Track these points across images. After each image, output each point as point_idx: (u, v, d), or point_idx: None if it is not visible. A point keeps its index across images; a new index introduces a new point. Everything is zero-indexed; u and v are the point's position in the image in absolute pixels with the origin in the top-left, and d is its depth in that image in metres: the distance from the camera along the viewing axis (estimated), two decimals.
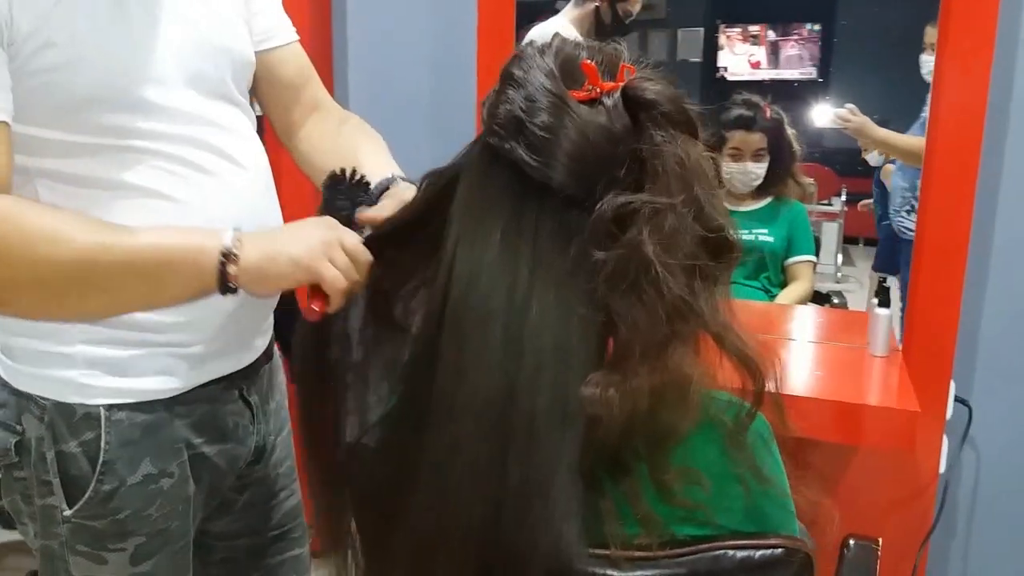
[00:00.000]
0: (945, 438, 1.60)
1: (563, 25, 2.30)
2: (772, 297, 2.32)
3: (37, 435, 0.94)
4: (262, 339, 1.11)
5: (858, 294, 2.51)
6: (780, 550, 0.68)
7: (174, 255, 0.81)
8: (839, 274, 4.99)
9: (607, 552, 0.64)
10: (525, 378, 0.65)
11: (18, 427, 0.95)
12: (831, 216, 5.26)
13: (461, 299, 0.67)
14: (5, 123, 0.82)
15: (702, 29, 7.24)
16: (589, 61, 0.69)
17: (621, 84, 0.68)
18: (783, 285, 2.35)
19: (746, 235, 2.35)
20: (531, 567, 0.63)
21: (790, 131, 2.40)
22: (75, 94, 0.85)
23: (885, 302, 1.55)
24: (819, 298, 2.40)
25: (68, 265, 0.77)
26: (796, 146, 2.40)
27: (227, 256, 0.81)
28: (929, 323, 1.55)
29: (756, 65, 7.20)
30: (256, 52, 1.08)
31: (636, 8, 2.44)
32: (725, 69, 7.36)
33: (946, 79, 1.46)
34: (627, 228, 0.66)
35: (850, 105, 2.28)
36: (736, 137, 2.32)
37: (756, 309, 2.11)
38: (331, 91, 1.19)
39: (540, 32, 2.35)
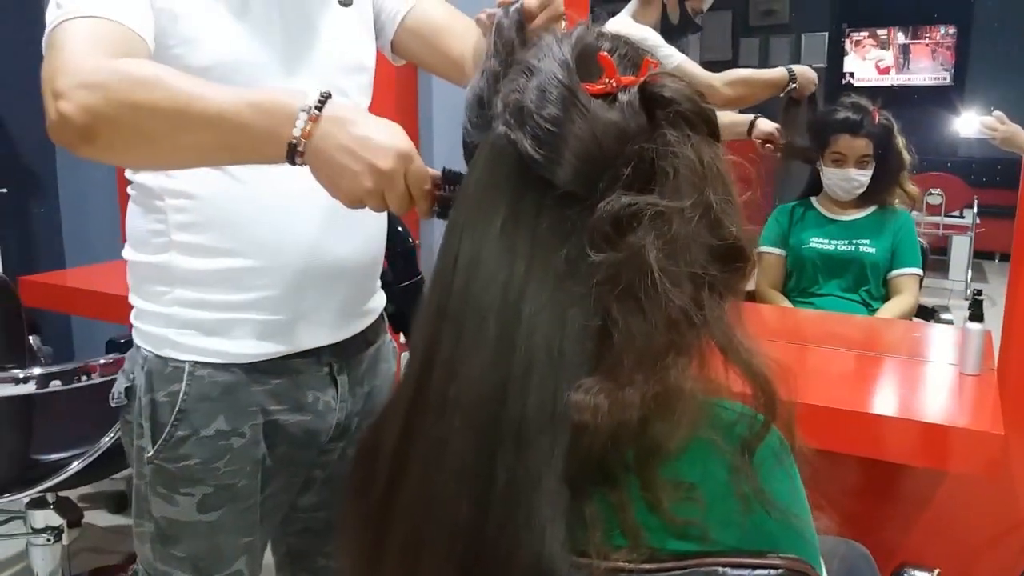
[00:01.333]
0: None
1: (627, 22, 2.25)
2: (872, 311, 2.20)
3: (140, 383, 1.04)
4: (360, 321, 1.14)
5: (987, 312, 2.35)
6: (780, 571, 0.64)
7: (263, 98, 0.80)
8: (968, 291, 4.70)
9: (590, 562, 0.62)
10: (516, 378, 0.63)
11: (131, 375, 1.06)
12: (961, 229, 4.97)
13: (461, 290, 0.65)
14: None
15: (827, 34, 6.99)
16: (608, 53, 0.67)
17: (640, 79, 0.66)
18: (885, 299, 2.23)
19: (846, 245, 2.25)
20: (513, 573, 0.61)
21: (900, 139, 2.26)
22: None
23: (978, 316, 1.45)
24: (924, 313, 2.26)
25: (164, 106, 0.79)
26: (906, 155, 2.25)
27: (308, 110, 0.78)
28: None
29: (885, 70, 6.90)
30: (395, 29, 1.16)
31: (705, 5, 2.35)
32: (852, 75, 7.08)
33: None
34: (630, 230, 0.63)
35: (998, 112, 2.10)
36: (840, 141, 2.20)
37: (836, 322, 2.01)
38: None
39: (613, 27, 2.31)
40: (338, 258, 1.06)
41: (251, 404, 1.05)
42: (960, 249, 4.85)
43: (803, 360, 1.57)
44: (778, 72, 2.23)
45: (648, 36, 2.17)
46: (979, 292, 1.49)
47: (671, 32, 2.21)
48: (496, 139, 0.66)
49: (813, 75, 2.23)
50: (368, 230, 1.10)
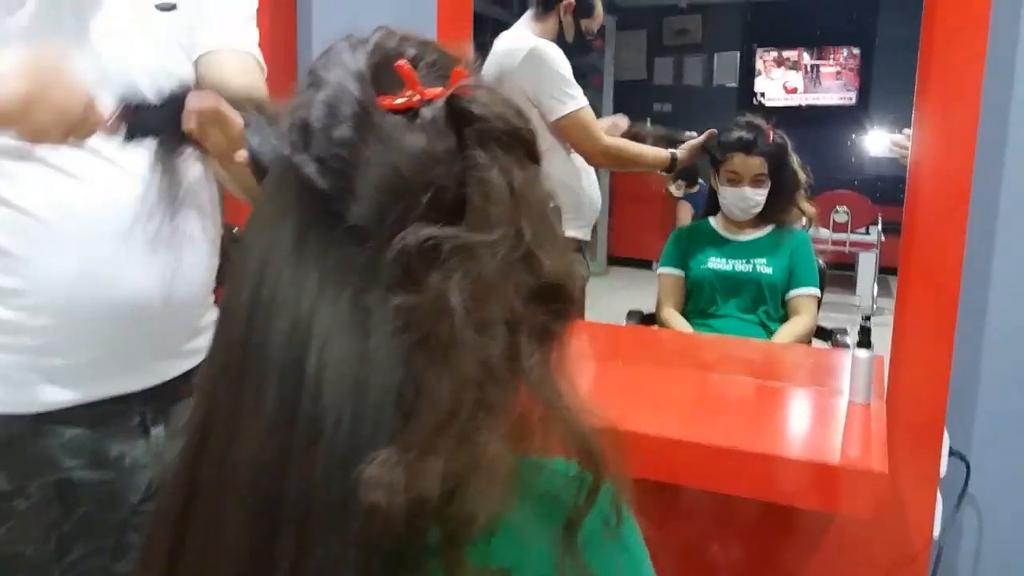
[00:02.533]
0: (939, 498, 1.41)
1: (531, 37, 2.19)
2: (770, 332, 2.15)
3: None
4: (178, 363, 1.02)
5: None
6: None
7: None
8: (875, 306, 4.78)
9: None
10: (298, 448, 0.53)
11: None
12: (867, 246, 5.06)
13: (243, 337, 0.55)
14: None
15: (738, 53, 7.11)
16: (412, 61, 0.56)
17: (447, 92, 0.55)
18: (784, 319, 2.19)
19: (743, 265, 2.20)
20: None
21: (795, 157, 2.24)
22: None
23: (866, 343, 1.38)
24: (823, 335, 2.22)
25: None
26: (801, 173, 2.23)
27: None
28: (918, 365, 1.38)
29: (793, 91, 7.05)
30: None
31: (596, 24, 2.33)
32: (762, 94, 7.23)
33: (931, 97, 1.30)
34: (431, 269, 0.52)
35: (908, 131, 2.11)
36: (735, 160, 2.17)
37: (731, 345, 1.94)
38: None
39: (504, 41, 2.24)
40: (136, 294, 0.93)
41: (40, 460, 0.92)
42: (866, 265, 4.96)
43: (683, 388, 1.49)
44: (662, 156, 2.30)
45: (558, 60, 2.14)
46: (867, 318, 1.43)
47: (566, 51, 2.18)
48: (282, 161, 0.56)
49: (696, 147, 2.29)
50: (182, 265, 0.97)
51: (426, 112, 0.54)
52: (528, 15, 2.28)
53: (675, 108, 7.12)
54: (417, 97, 0.54)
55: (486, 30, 3.35)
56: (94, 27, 0.94)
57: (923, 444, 1.37)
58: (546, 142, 2.18)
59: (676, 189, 4.16)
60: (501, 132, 0.54)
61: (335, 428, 0.52)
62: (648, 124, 5.72)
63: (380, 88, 0.54)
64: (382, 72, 0.55)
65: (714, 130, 2.26)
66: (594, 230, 7.16)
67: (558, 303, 0.56)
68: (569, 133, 2.16)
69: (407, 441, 0.51)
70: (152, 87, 0.97)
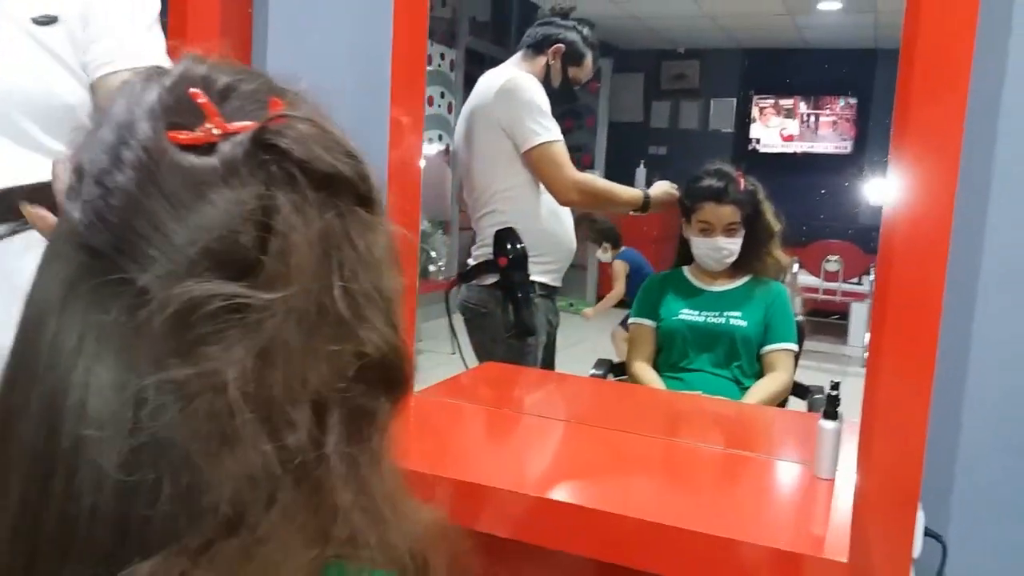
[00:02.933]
0: None
1: (518, 73, 2.12)
2: (744, 389, 2.04)
3: None
4: None
5: None
6: None
7: None
8: (866, 356, 4.67)
9: None
10: (46, 560, 0.42)
11: None
12: (859, 296, 4.97)
13: (4, 395, 0.46)
14: None
15: (735, 99, 7.09)
16: (202, 91, 0.46)
17: (256, 125, 0.45)
18: (760, 375, 2.07)
19: (716, 318, 2.09)
20: None
21: (768, 204, 2.13)
22: None
23: (832, 414, 1.27)
24: (800, 391, 2.10)
25: None
26: (774, 221, 2.12)
27: None
28: (890, 434, 1.26)
29: (789, 138, 7.00)
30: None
31: (585, 76, 2.26)
32: (758, 141, 7.19)
33: (909, 147, 1.21)
34: (211, 336, 0.41)
35: None
36: (706, 210, 2.07)
37: (691, 405, 1.83)
38: None
39: (484, 78, 2.16)
40: None
41: None
42: (859, 315, 4.84)
43: (629, 452, 1.38)
44: (635, 196, 2.20)
45: (534, 93, 2.09)
46: (835, 386, 1.31)
47: (549, 95, 2.12)
48: (63, 208, 0.47)
49: (673, 193, 2.19)
50: None
51: (225, 148, 0.44)
52: (518, 56, 2.23)
53: (670, 151, 7.07)
54: (217, 131, 0.44)
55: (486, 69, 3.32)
56: None
57: (895, 522, 1.25)
58: (518, 179, 2.09)
59: (603, 253, 4.00)
60: (315, 172, 0.44)
61: (88, 532, 0.41)
62: (642, 166, 5.68)
63: (176, 122, 0.45)
64: (182, 104, 0.46)
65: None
66: (584, 268, 7.09)
67: (379, 381, 0.46)
68: (539, 167, 2.08)
69: (178, 551, 0.41)
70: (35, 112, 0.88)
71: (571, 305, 6.60)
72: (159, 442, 0.41)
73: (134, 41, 0.97)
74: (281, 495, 0.42)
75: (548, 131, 2.06)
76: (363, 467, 0.45)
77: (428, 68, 5.81)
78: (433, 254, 5.15)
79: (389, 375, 0.47)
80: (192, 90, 0.46)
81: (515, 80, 2.11)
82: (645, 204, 2.17)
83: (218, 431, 0.41)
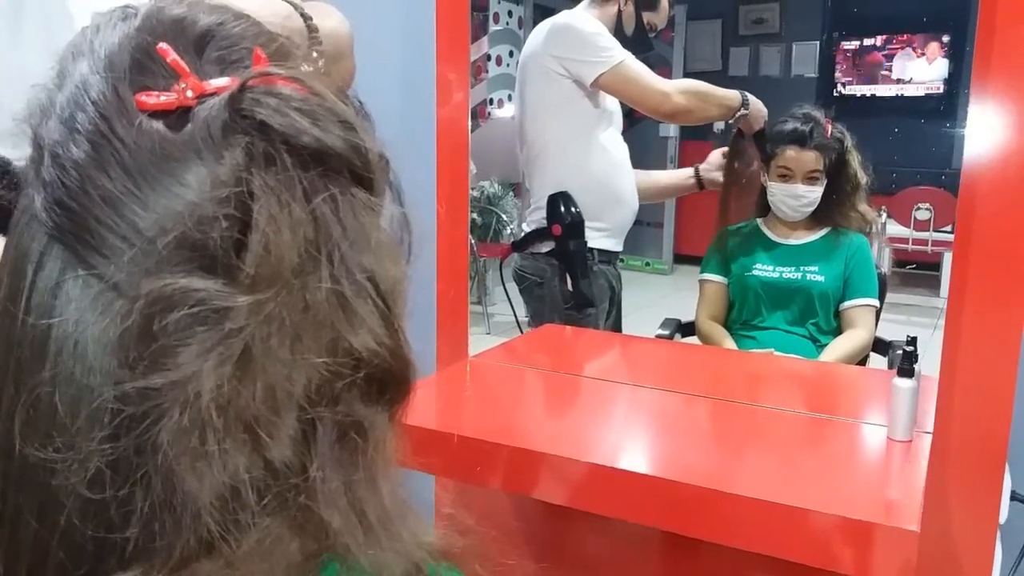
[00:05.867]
0: (999, 547, 1.20)
1: (580, 15, 2.02)
2: (821, 347, 1.94)
3: None
4: None
5: None
6: None
7: None
8: None
9: None
10: None
11: None
12: (951, 245, 4.72)
13: None
14: None
15: (818, 43, 6.78)
16: (174, 42, 0.42)
17: (235, 84, 0.40)
18: (837, 332, 1.97)
19: (792, 273, 1.99)
20: None
21: (856, 155, 2.01)
22: None
23: (908, 371, 1.18)
24: (881, 347, 1.99)
25: None
26: (861, 173, 2.00)
27: None
28: (973, 390, 1.17)
29: (876, 80, 6.66)
30: None
31: (661, 21, 2.11)
32: (843, 85, 6.86)
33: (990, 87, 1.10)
34: (178, 341, 0.38)
35: None
36: (787, 154, 1.96)
37: (761, 365, 1.74)
38: None
39: (542, 25, 2.07)
40: None
41: None
42: (949, 266, 4.61)
43: (693, 417, 1.32)
44: (732, 93, 2.04)
45: (586, 26, 1.96)
46: (912, 341, 1.22)
47: (623, 44, 1.98)
48: (24, 187, 0.42)
49: (764, 111, 2.05)
50: None
51: (199, 115, 0.39)
52: (585, 2, 2.07)
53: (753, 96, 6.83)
54: (191, 92, 0.39)
55: None
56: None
57: (979, 487, 1.17)
58: (570, 127, 1.96)
59: None
60: (301, 149, 0.39)
61: (61, 552, 0.39)
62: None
63: (141, 82, 0.39)
64: (150, 57, 0.40)
65: None
66: (660, 226, 6.95)
67: (374, 388, 0.41)
68: (620, 90, 1.94)
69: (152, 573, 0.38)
70: None
71: (647, 264, 6.48)
72: (131, 457, 0.37)
73: None
74: (262, 515, 0.38)
75: (613, 54, 1.91)
76: (356, 484, 0.40)
77: (495, 27, 5.74)
78: (505, 217, 5.10)
79: (385, 382, 0.41)
80: (161, 46, 0.41)
81: (565, 16, 2.00)
82: (744, 101, 2.02)
83: (193, 445, 0.36)
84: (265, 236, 0.37)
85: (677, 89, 1.98)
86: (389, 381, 0.42)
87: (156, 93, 0.39)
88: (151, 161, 0.38)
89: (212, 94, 0.39)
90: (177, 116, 0.39)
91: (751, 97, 2.03)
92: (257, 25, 0.45)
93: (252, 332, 0.37)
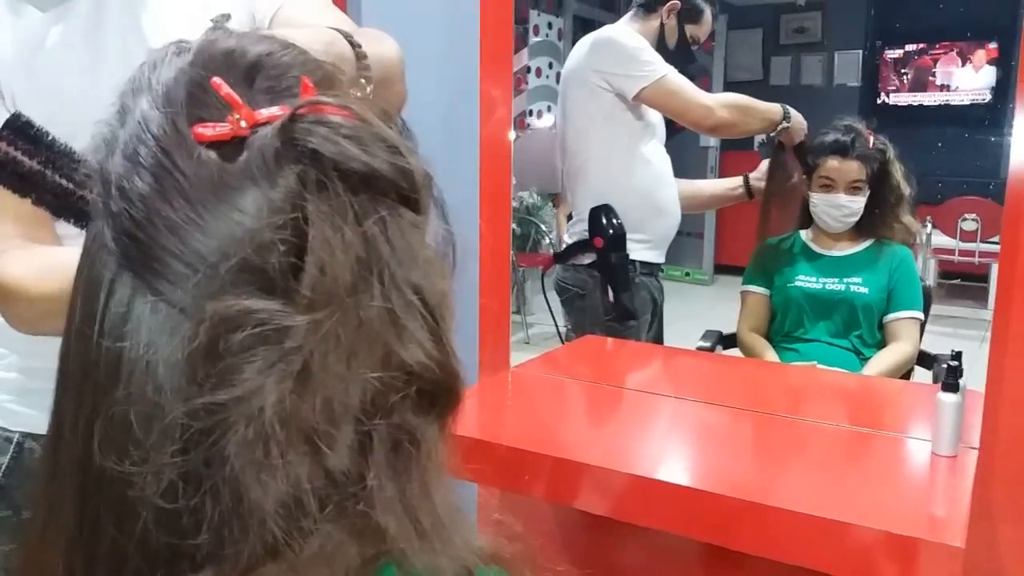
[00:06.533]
0: None
1: (623, 29, 2.03)
2: (864, 360, 1.93)
3: None
4: None
5: None
6: None
7: None
8: None
9: None
10: None
11: None
12: (998, 256, 4.62)
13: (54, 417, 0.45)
14: None
15: (860, 52, 6.73)
16: (245, 72, 0.44)
17: (287, 113, 0.42)
18: (881, 345, 1.96)
19: (835, 284, 1.98)
20: None
21: (899, 165, 1.99)
22: None
23: (953, 385, 1.17)
24: (926, 361, 1.97)
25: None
26: (904, 184, 1.98)
27: None
28: (1019, 408, 1.16)
29: (921, 89, 6.57)
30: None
31: (704, 34, 2.11)
32: (887, 94, 6.79)
33: None
34: (242, 357, 0.40)
35: None
36: (829, 164, 1.96)
37: (804, 379, 1.73)
38: None
39: (585, 39, 2.08)
40: None
41: None
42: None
43: (735, 432, 1.32)
44: (774, 107, 2.03)
45: (628, 39, 1.98)
46: (957, 356, 1.21)
47: (666, 57, 1.98)
48: (93, 218, 0.45)
49: (805, 124, 2.04)
50: None
51: (254, 144, 0.41)
52: (626, 17, 2.09)
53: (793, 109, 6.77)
54: (245, 123, 0.41)
55: None
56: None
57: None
58: (614, 142, 1.97)
59: None
60: (351, 174, 0.41)
61: (138, 556, 0.41)
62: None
63: (198, 115, 0.41)
64: (204, 90, 0.42)
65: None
66: (700, 236, 6.88)
67: (426, 400, 0.43)
68: (663, 104, 1.95)
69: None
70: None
71: (687, 275, 6.46)
72: (200, 468, 0.39)
73: None
74: (323, 522, 0.40)
75: (655, 68, 1.91)
76: (410, 491, 0.42)
77: (535, 39, 5.78)
78: (544, 227, 5.12)
79: (435, 393, 0.43)
80: (215, 80, 0.43)
81: (608, 30, 2.02)
82: (786, 114, 2.01)
83: (257, 457, 0.38)
84: (320, 259, 0.39)
85: (720, 103, 1.97)
86: (439, 393, 0.43)
87: (212, 125, 0.41)
88: (210, 190, 0.40)
89: (264, 123, 0.41)
90: (233, 146, 0.41)
91: (792, 110, 2.02)
92: (304, 54, 0.47)
93: (310, 349, 0.39)
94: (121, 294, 0.41)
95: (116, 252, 0.41)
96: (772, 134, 2.04)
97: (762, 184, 2.13)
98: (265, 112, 0.42)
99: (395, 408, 0.42)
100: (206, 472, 0.39)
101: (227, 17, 0.90)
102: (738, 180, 2.20)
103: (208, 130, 0.41)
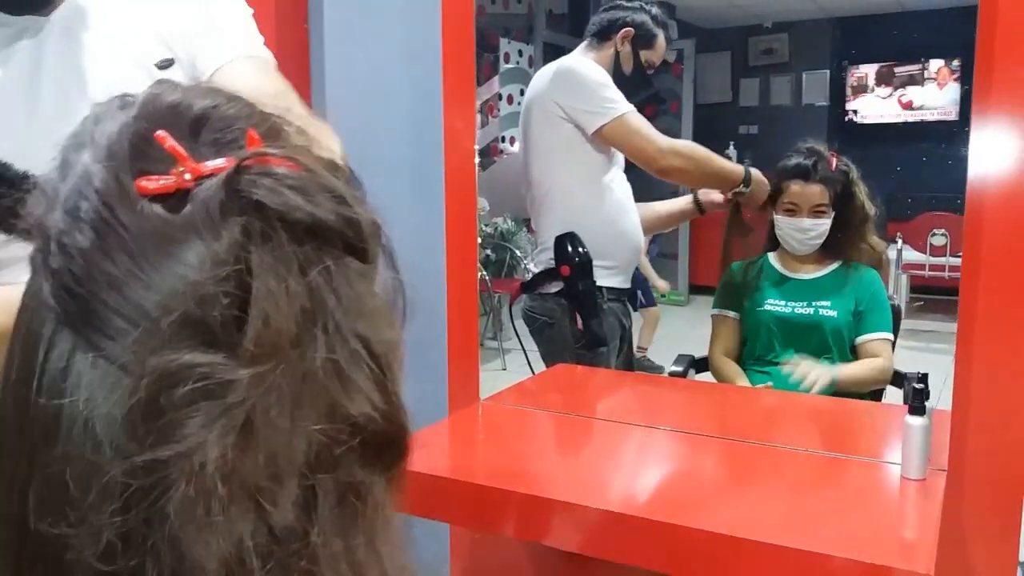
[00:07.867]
0: None
1: (582, 61, 2.05)
2: (835, 383, 1.93)
3: None
4: None
5: None
6: None
7: None
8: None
9: None
10: None
11: None
12: None
13: None
14: None
15: (828, 71, 6.83)
16: (191, 124, 0.43)
17: (231, 165, 0.42)
18: None
19: (804, 308, 1.99)
20: None
21: (862, 187, 2.01)
22: None
23: (919, 408, 1.18)
24: (897, 380, 1.98)
25: None
26: (869, 205, 2.00)
27: None
28: (988, 425, 1.17)
29: (888, 107, 6.69)
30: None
31: (658, 58, 2.12)
32: (854, 112, 6.90)
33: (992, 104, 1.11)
34: (183, 412, 0.39)
35: None
36: (792, 189, 1.98)
37: (771, 402, 1.73)
38: None
39: (545, 68, 2.09)
40: None
41: None
42: None
43: (700, 458, 1.32)
44: (736, 169, 2.03)
45: (591, 73, 1.98)
46: (923, 378, 1.21)
47: (622, 84, 2.00)
48: (32, 273, 0.43)
49: (767, 188, 2.02)
50: None
51: (198, 197, 0.40)
52: (582, 47, 2.10)
53: (762, 130, 6.87)
54: (189, 175, 0.41)
55: None
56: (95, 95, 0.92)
57: (996, 525, 1.15)
58: (577, 172, 1.97)
59: None
60: (295, 225, 0.40)
61: None
62: (732, 147, 5.49)
63: (141, 168, 0.41)
64: (147, 143, 0.41)
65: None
66: (674, 257, 6.89)
67: (372, 453, 0.42)
68: (620, 142, 1.95)
69: None
70: None
71: (663, 296, 6.47)
72: (141, 528, 0.38)
73: (237, 32, 0.96)
74: None
75: (616, 104, 1.92)
76: (356, 547, 0.41)
77: (506, 66, 5.81)
78: (519, 253, 5.11)
79: (381, 445, 0.42)
80: (159, 133, 0.42)
81: (568, 61, 2.03)
82: (747, 178, 2.00)
83: (199, 514, 0.37)
84: (263, 310, 0.39)
85: (675, 149, 1.97)
86: (385, 444, 0.43)
87: (156, 177, 0.40)
88: (153, 243, 0.39)
89: (209, 175, 0.40)
90: (176, 199, 0.40)
91: (757, 175, 2.01)
92: (250, 106, 0.46)
93: (253, 402, 0.38)
94: (60, 350, 0.40)
95: (56, 308, 0.40)
96: (728, 195, 2.04)
97: (711, 197, 2.12)
98: (210, 164, 0.41)
99: (340, 461, 0.41)
100: (146, 532, 0.38)
101: (171, 62, 0.89)
102: (688, 197, 2.20)
103: (151, 183, 0.40)
